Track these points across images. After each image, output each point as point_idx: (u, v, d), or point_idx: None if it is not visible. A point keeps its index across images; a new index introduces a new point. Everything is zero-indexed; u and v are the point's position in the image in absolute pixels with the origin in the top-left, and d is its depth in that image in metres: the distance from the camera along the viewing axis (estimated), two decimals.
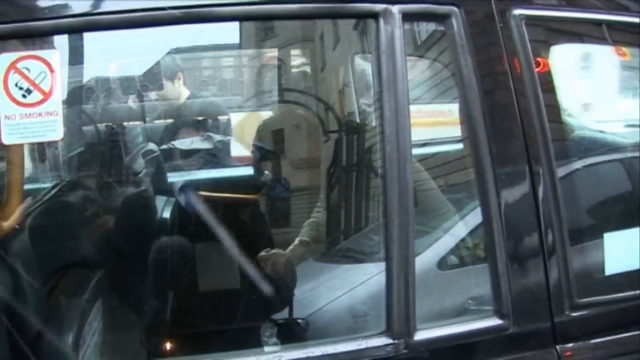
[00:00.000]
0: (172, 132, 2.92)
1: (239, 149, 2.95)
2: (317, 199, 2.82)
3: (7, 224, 1.69)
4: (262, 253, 2.33)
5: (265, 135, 3.03)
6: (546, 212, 1.79)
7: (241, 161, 2.88)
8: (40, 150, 2.06)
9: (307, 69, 3.08)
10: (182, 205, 2.56)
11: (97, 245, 2.13)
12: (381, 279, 1.75)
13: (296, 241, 2.48)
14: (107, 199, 2.22)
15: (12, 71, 1.55)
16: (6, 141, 1.56)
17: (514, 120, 1.80)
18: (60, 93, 1.57)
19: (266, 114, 3.13)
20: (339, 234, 2.64)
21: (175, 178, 2.66)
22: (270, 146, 2.97)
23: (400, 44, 1.70)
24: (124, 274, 2.15)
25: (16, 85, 1.56)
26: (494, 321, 1.75)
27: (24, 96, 1.56)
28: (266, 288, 2.31)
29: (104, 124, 2.40)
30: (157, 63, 2.71)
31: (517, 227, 1.79)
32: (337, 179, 2.80)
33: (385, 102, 1.70)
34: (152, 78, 2.66)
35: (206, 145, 2.84)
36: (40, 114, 1.56)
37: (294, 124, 3.08)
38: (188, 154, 2.80)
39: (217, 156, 2.82)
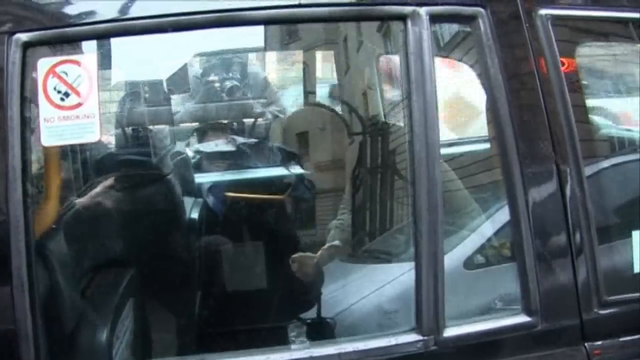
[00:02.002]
0: (199, 135, 2.98)
1: (263, 151, 2.99)
2: (342, 200, 2.84)
3: (45, 223, 1.74)
4: (293, 255, 2.36)
5: (290, 138, 3.07)
6: (574, 211, 1.81)
7: (265, 163, 2.92)
8: (73, 151, 2.11)
9: (332, 71, 3.12)
10: (210, 206, 2.62)
11: (128, 245, 2.18)
12: (409, 277, 1.78)
13: (326, 246, 2.50)
14: (137, 199, 2.27)
15: (51, 75, 1.62)
16: (45, 143, 1.61)
17: (541, 120, 1.82)
18: (97, 96, 1.63)
19: (291, 117, 3.15)
20: (366, 235, 2.67)
21: (202, 179, 2.72)
22: (294, 148, 3.00)
23: (428, 44, 1.74)
24: (154, 273, 2.20)
25: (55, 89, 1.62)
26: (523, 318, 1.78)
27: (62, 99, 1.62)
28: (294, 288, 2.36)
29: (133, 126, 2.45)
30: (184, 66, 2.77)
31: (545, 225, 1.81)
32: (362, 180, 2.82)
33: (414, 102, 1.73)
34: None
35: (229, 147, 2.89)
36: (78, 117, 1.62)
37: (319, 127, 3.11)
38: (212, 156, 2.85)
39: (240, 159, 2.87)
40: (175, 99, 2.81)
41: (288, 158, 2.93)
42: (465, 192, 2.27)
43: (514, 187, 1.79)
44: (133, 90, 2.50)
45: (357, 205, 2.76)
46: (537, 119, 1.82)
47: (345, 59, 3.11)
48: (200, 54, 2.94)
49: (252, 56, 3.11)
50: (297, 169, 2.85)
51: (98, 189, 2.15)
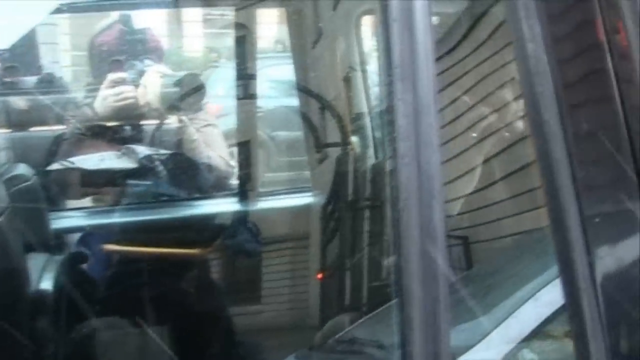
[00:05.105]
0: (69, 144, 2.96)
1: (179, 170, 3.01)
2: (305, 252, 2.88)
3: None
4: None
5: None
6: None
7: (182, 190, 2.93)
8: None
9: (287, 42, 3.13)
10: (78, 268, 2.60)
11: None
12: None
13: None
14: None
15: None
16: None
17: (614, 125, 1.79)
18: None
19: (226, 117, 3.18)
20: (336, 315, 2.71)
21: (66, 222, 2.70)
22: (231, 167, 3.03)
23: (424, 6, 1.68)
24: None
25: None
26: None
27: None
28: None
29: None
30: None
31: (625, 305, 1.78)
32: (339, 220, 2.83)
33: (399, 101, 1.67)
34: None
35: (125, 163, 2.88)
36: None
37: (269, 133, 3.16)
38: (93, 178, 2.84)
39: (143, 181, 2.86)
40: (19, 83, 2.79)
41: (221, 183, 2.95)
42: (502, 244, 2.31)
43: (567, 241, 1.74)
44: None
45: (328, 264, 2.78)
46: (608, 124, 1.80)
47: (313, 22, 3.11)
48: (64, 9, 2.92)
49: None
50: (235, 203, 2.84)
51: None
